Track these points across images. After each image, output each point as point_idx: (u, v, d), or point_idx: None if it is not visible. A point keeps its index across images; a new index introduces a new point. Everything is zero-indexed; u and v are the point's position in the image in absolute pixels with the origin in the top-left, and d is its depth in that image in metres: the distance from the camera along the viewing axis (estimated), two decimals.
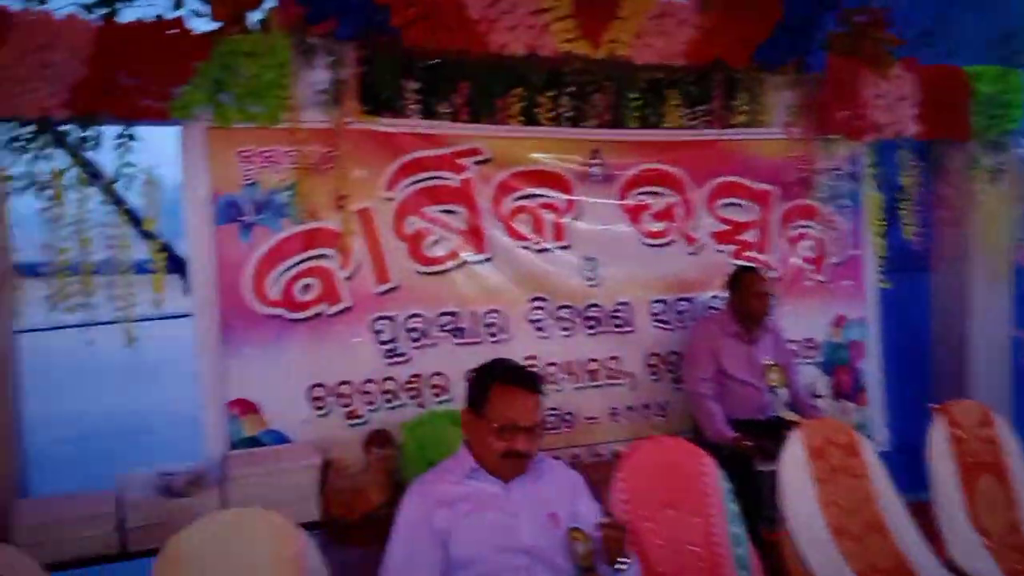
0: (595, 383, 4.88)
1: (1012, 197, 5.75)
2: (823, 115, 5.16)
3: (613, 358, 4.92)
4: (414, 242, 4.45)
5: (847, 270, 5.49)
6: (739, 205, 5.21)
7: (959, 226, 5.73)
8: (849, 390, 5.51)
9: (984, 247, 5.73)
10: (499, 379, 2.84)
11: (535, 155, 4.68)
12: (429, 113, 4.35)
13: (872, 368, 5.58)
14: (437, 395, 4.50)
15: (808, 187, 5.33)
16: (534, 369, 3.88)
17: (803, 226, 5.39)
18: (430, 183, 4.47)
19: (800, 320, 5.32)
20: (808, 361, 5.37)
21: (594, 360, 4.89)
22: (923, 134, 5.37)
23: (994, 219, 5.74)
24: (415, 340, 4.45)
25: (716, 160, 5.07)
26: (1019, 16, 5.71)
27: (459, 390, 3.82)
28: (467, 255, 4.57)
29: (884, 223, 5.48)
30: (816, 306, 5.42)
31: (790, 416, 4.58)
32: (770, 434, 4.31)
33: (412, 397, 4.45)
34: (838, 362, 5.50)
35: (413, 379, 4.45)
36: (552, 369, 4.77)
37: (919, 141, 5.47)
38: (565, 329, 4.82)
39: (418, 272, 4.46)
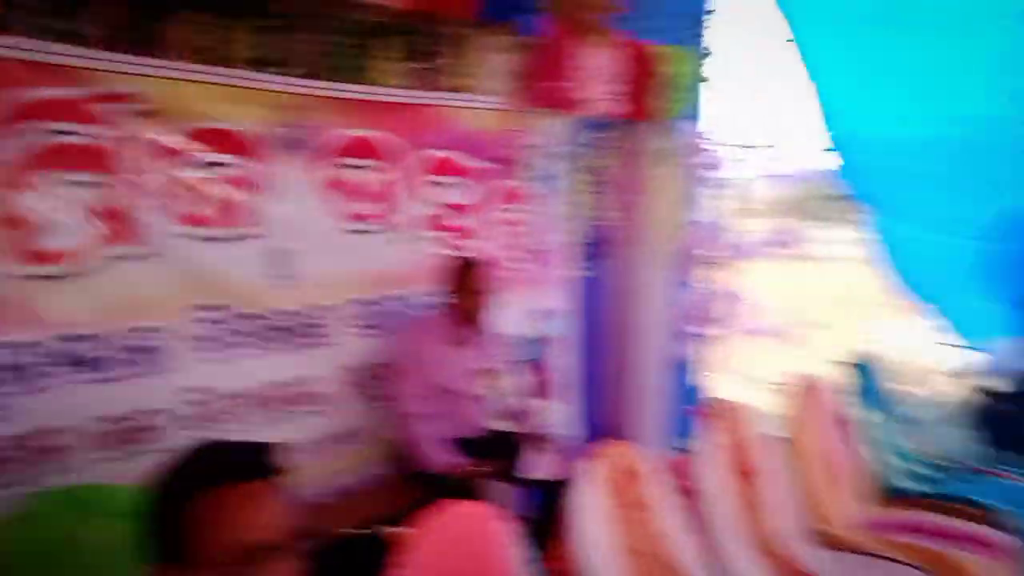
0: (286, 412, 3.74)
1: (679, 181, 5.79)
2: (531, 85, 4.56)
3: (305, 378, 3.81)
4: (16, 229, 2.83)
5: (548, 257, 5.03)
6: (456, 185, 4.39)
7: (634, 210, 5.63)
8: (544, 388, 5.12)
9: (652, 232, 5.70)
10: (197, 488, 1.62)
11: (211, 107, 3.30)
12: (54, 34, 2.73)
13: (566, 363, 5.24)
14: (52, 467, 2.96)
15: (519, 165, 4.71)
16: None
17: (513, 209, 4.77)
18: (51, 140, 2.86)
19: (505, 314, 4.72)
20: (510, 359, 4.82)
21: (286, 384, 3.73)
22: (621, 113, 5.07)
23: (663, 203, 5.74)
24: (11, 382, 2.86)
25: (432, 130, 4.18)
26: None
27: (89, 457, 2.87)
28: (107, 248, 3.07)
29: (583, 206, 5.12)
30: (518, 298, 4.87)
31: (504, 427, 4.03)
32: (500, 452, 3.70)
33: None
34: (534, 357, 5.06)
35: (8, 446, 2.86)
36: (232, 404, 3.51)
37: (618, 120, 5.18)
38: (246, 347, 3.57)
39: (19, 276, 2.85)
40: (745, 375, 8.19)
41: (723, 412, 3.67)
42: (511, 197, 4.73)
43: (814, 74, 5.99)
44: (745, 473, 3.52)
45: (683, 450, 3.90)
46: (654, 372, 5.65)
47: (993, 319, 5.99)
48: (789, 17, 5.80)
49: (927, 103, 5.68)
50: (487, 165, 4.51)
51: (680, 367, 5.83)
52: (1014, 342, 5.51)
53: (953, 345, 8.15)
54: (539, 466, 4.03)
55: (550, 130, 4.82)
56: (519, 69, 4.50)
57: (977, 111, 5.42)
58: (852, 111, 6.05)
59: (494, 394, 4.06)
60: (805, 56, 5.94)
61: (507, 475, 3.50)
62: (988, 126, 5.38)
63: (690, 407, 3.93)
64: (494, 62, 4.38)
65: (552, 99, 4.63)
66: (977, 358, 7.03)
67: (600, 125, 5.17)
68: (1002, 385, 5.26)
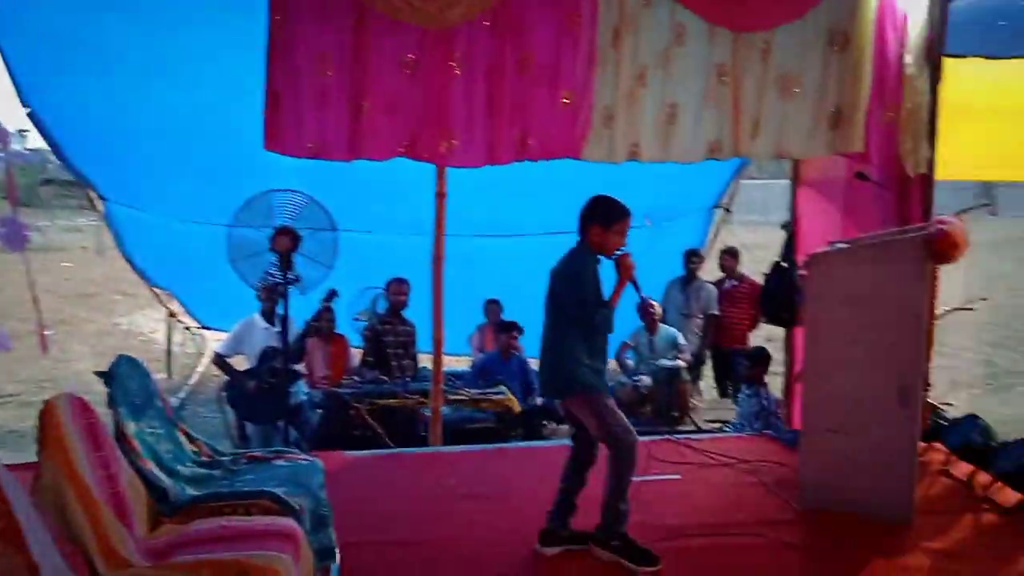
0: None
1: None
2: None
3: None
4: None
5: None
6: None
7: None
8: None
9: None
10: None
11: None
12: None
13: None
14: None
15: None
16: None
17: None
18: None
19: None
20: None
21: None
22: None
23: None
24: None
25: None
26: None
27: None
28: None
29: None
30: None
31: None
32: None
33: None
34: None
35: None
36: None
37: None
38: None
39: None
40: None
41: None
42: None
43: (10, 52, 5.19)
44: None
45: None
46: None
47: (231, 302, 6.26)
48: None
49: (147, 90, 5.49)
50: None
51: None
52: (247, 325, 5.85)
53: (196, 329, 8.40)
54: None
55: None
56: None
57: (195, 99, 5.48)
58: (62, 94, 5.48)
59: None
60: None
61: None
62: (204, 114, 5.50)
63: None
64: None
65: None
66: (216, 339, 7.33)
67: None
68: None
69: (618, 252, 3.48)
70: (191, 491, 2.93)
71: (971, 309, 5.01)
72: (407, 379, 5.62)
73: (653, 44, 4.39)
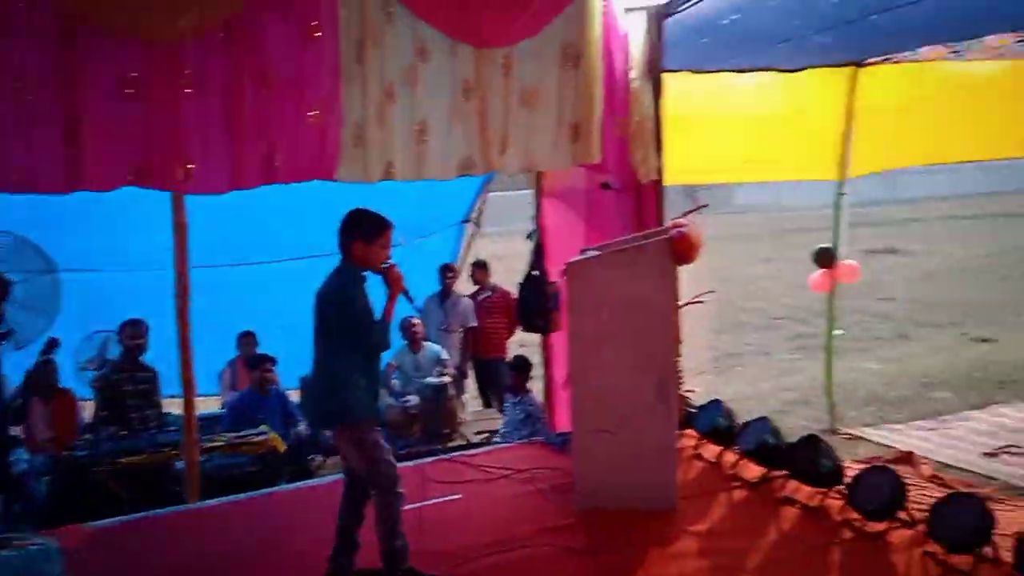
0: None
1: None
2: None
3: None
4: None
5: None
6: None
7: None
8: None
9: None
10: None
11: None
12: None
13: None
14: None
15: None
16: None
17: None
18: None
19: None
20: None
21: None
22: None
23: None
24: None
25: None
26: None
27: None
28: None
29: None
30: None
31: None
32: None
33: None
34: None
35: None
36: None
37: None
38: None
39: None
40: None
41: None
42: None
43: None
44: None
45: None
46: None
47: None
48: None
49: None
50: None
51: None
52: None
53: None
54: None
55: None
56: None
57: None
58: None
59: None
60: None
61: None
62: None
63: None
64: None
65: None
66: None
67: None
68: None
69: (384, 265, 3.38)
70: None
71: (702, 302, 5.46)
72: (152, 431, 5.04)
73: (398, 59, 4.31)
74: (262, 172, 4.18)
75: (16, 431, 5.12)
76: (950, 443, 6.48)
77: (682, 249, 4.01)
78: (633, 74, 5.04)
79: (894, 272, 15.51)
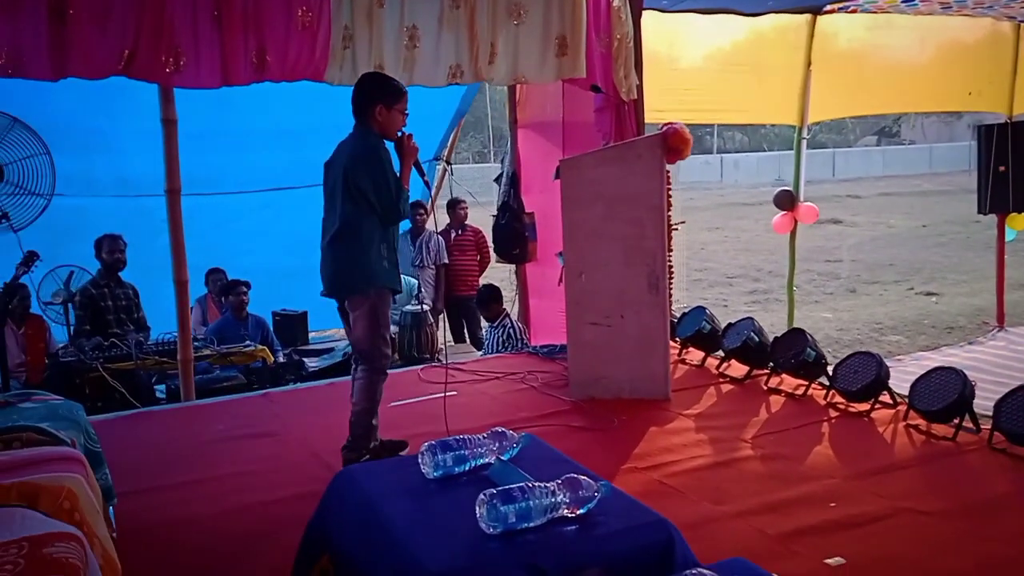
0: None
1: None
2: None
3: None
4: None
5: None
6: None
7: None
8: None
9: None
10: None
11: None
12: None
13: None
14: None
15: None
16: None
17: None
18: None
19: None
20: None
21: None
22: None
23: None
24: None
25: None
26: None
27: None
28: None
29: None
30: None
31: None
32: None
33: None
34: None
35: None
36: None
37: None
38: None
39: None
40: None
41: None
42: None
43: None
44: None
45: None
46: None
47: None
48: None
49: None
50: None
51: None
52: None
53: None
54: None
55: None
56: None
57: None
58: None
59: None
60: None
61: None
62: None
63: None
64: None
65: None
66: None
67: None
68: None
69: (399, 133, 3.37)
70: None
71: (676, 228, 5.59)
72: (140, 340, 4.91)
73: None
74: (254, 69, 4.14)
75: None
76: (906, 378, 6.80)
77: (675, 143, 4.11)
78: None
79: (840, 239, 16.02)
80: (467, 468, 2.09)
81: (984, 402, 3.68)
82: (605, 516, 1.81)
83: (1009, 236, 8.27)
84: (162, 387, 5.06)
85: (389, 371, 3.45)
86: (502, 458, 2.10)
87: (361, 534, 1.90)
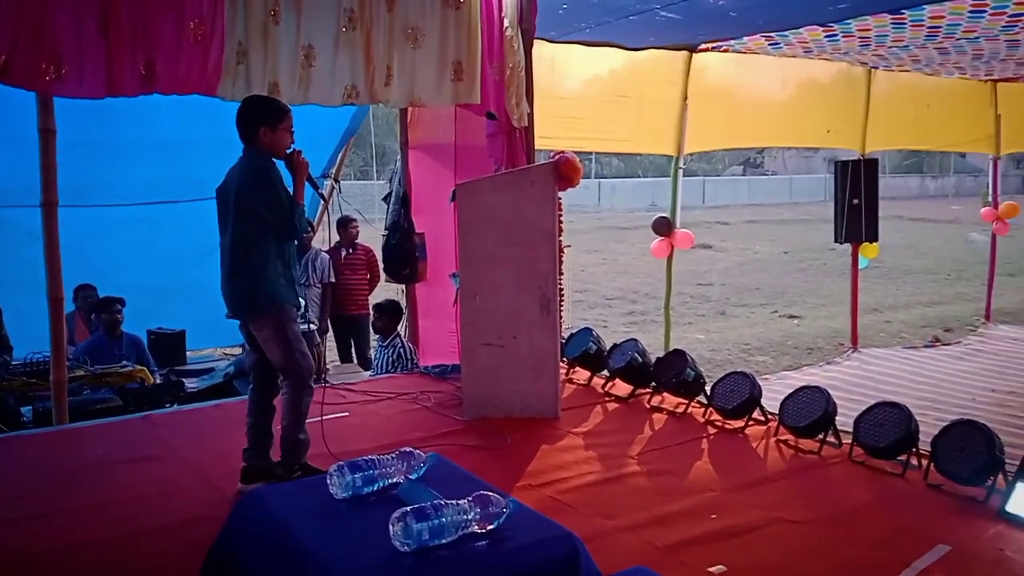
0: None
1: None
2: None
3: None
4: None
5: None
6: None
7: None
8: None
9: None
10: None
11: None
12: None
13: None
14: None
15: None
16: None
17: None
18: None
19: None
20: None
21: None
22: None
23: None
24: None
25: None
26: None
27: None
28: None
29: None
30: None
31: None
32: None
33: None
34: None
35: None
36: None
37: None
38: None
39: None
40: None
41: None
42: None
43: None
44: None
45: None
46: None
47: None
48: None
49: None
50: None
51: None
52: None
53: None
54: None
55: None
56: None
57: None
58: None
59: None
60: None
61: None
62: None
63: None
64: None
65: None
66: None
67: None
68: None
69: (288, 151, 3.39)
70: None
71: (564, 253, 5.78)
72: (5, 359, 4.62)
73: None
74: (142, 80, 4.02)
75: None
76: (773, 395, 7.28)
77: (566, 171, 4.28)
78: (507, 22, 5.28)
79: (711, 263, 16.84)
80: (376, 488, 2.12)
81: (842, 418, 4.00)
82: (513, 531, 1.89)
83: (862, 264, 8.98)
84: (27, 409, 4.78)
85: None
86: (410, 477, 2.14)
87: (271, 559, 1.90)
